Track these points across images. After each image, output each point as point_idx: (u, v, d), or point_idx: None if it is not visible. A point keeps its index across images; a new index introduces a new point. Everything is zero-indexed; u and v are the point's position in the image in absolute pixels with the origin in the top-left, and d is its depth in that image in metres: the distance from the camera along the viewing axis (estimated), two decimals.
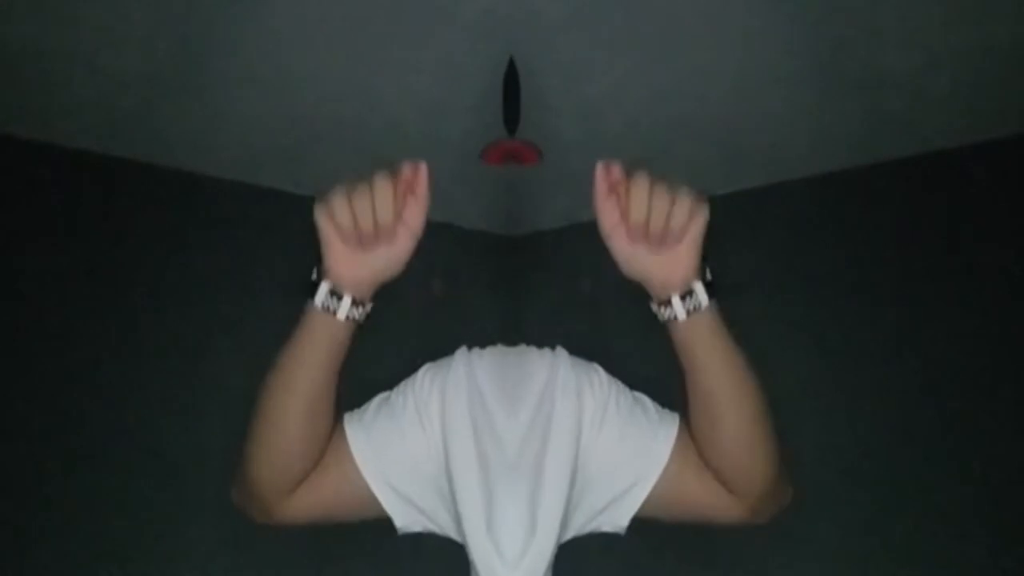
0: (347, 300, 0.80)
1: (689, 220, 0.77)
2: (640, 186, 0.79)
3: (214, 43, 1.75)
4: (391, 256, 0.82)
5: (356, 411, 0.89)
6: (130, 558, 1.82)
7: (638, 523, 0.88)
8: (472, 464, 0.86)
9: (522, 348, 0.98)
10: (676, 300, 0.80)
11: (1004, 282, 1.99)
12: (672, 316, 0.81)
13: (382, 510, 0.87)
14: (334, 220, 0.78)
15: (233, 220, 2.17)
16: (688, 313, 0.80)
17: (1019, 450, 1.87)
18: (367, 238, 0.79)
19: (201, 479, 1.88)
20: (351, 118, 1.98)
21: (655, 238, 0.78)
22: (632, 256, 0.81)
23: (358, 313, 0.81)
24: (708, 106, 1.94)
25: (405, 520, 0.88)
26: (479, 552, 0.83)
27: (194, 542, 1.85)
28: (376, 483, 0.86)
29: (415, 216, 0.85)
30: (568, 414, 0.88)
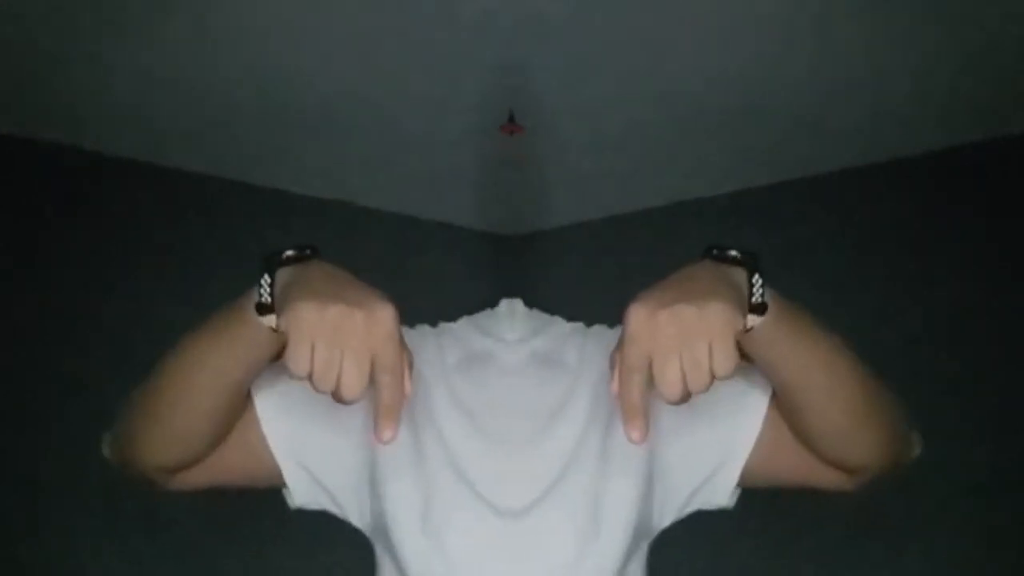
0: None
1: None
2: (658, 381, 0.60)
3: (214, 43, 1.75)
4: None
5: (267, 376, 0.74)
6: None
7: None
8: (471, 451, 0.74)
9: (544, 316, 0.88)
10: None
11: (1005, 282, 1.99)
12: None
13: (281, 483, 0.77)
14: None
15: (233, 220, 2.17)
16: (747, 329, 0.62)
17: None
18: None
19: None
20: (351, 118, 1.98)
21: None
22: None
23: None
24: (708, 106, 1.94)
25: (306, 499, 0.78)
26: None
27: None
28: (286, 462, 0.75)
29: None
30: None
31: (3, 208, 2.01)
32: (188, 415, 0.71)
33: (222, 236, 2.15)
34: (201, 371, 0.69)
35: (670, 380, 0.59)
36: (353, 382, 0.58)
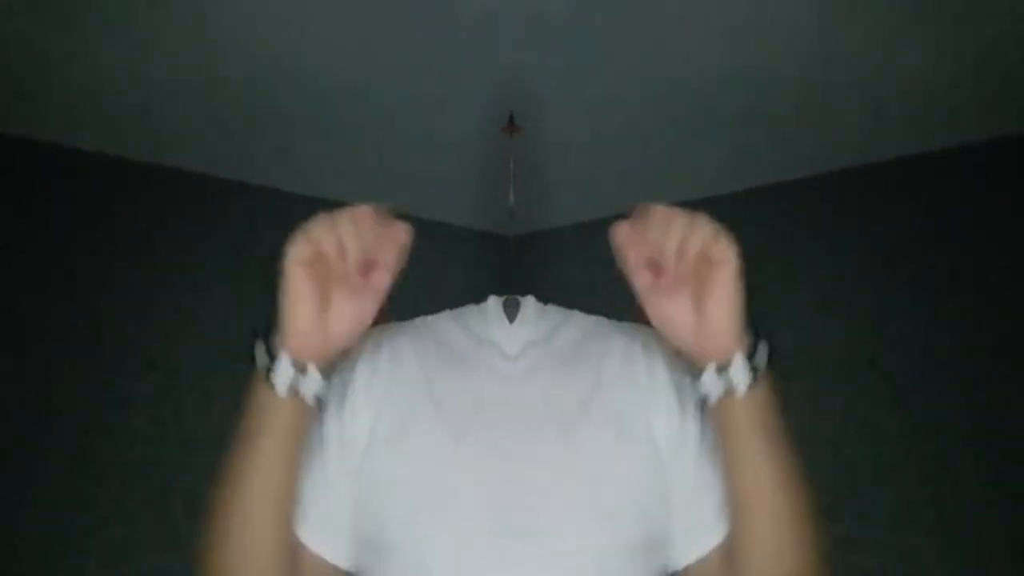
0: (313, 375, 0.67)
1: (714, 257, 0.66)
2: (656, 216, 0.67)
3: (214, 43, 1.75)
4: (360, 311, 0.69)
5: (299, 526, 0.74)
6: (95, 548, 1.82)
7: None
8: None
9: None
10: (709, 374, 0.67)
11: (1005, 282, 1.99)
12: (706, 394, 0.68)
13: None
14: (311, 254, 0.66)
15: (232, 220, 2.17)
16: (723, 393, 0.67)
17: None
18: (338, 280, 0.67)
19: (200, 478, 1.88)
20: (351, 118, 1.98)
21: (682, 277, 0.67)
22: (668, 315, 0.69)
23: (325, 389, 0.69)
24: (708, 106, 1.94)
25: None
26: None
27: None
28: (338, 558, 0.75)
29: (392, 256, 0.69)
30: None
31: (2, 208, 2.01)
32: (259, 526, 0.70)
33: (221, 236, 2.15)
34: (253, 478, 0.69)
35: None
36: (366, 227, 0.66)
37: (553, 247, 2.38)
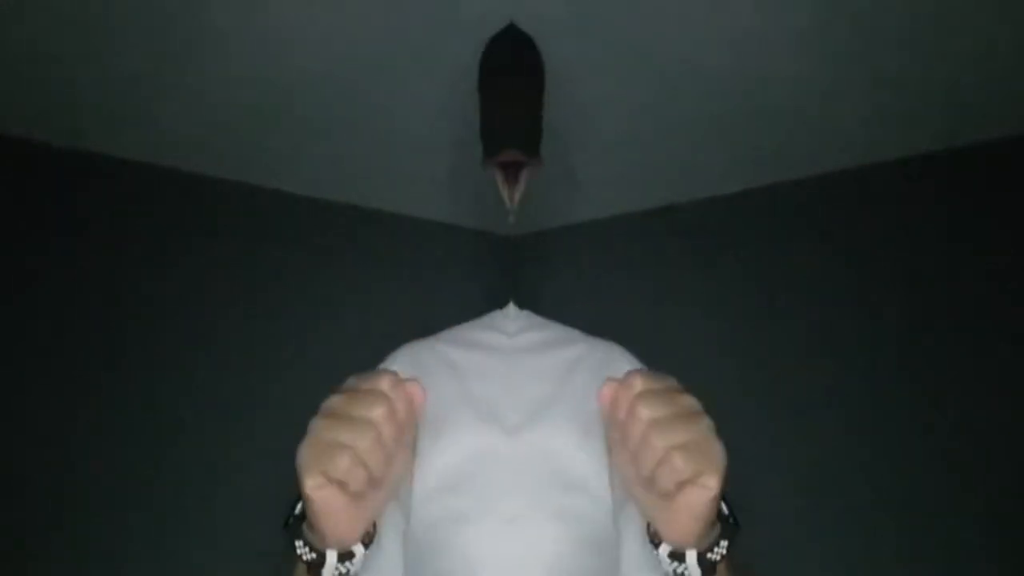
0: (359, 552, 0.66)
1: (686, 482, 0.61)
2: (638, 416, 0.62)
3: (215, 43, 1.75)
4: (392, 488, 0.68)
5: None
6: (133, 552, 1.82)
7: None
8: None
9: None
10: (662, 552, 0.65)
11: (1005, 282, 1.99)
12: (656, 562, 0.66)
13: None
14: (333, 483, 0.61)
15: (233, 220, 2.17)
16: (673, 574, 0.65)
17: None
18: (364, 482, 0.63)
19: (199, 479, 1.88)
20: (351, 118, 1.98)
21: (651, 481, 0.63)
22: (634, 495, 0.67)
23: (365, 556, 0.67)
24: (708, 106, 1.94)
25: None
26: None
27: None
28: None
29: (412, 432, 0.67)
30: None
31: (3, 209, 2.01)
32: None
33: (222, 236, 2.15)
34: None
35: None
36: (384, 430, 0.63)
37: (553, 247, 2.38)
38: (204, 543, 1.83)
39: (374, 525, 0.68)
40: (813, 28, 1.71)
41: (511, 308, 0.92)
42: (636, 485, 0.65)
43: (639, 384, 0.64)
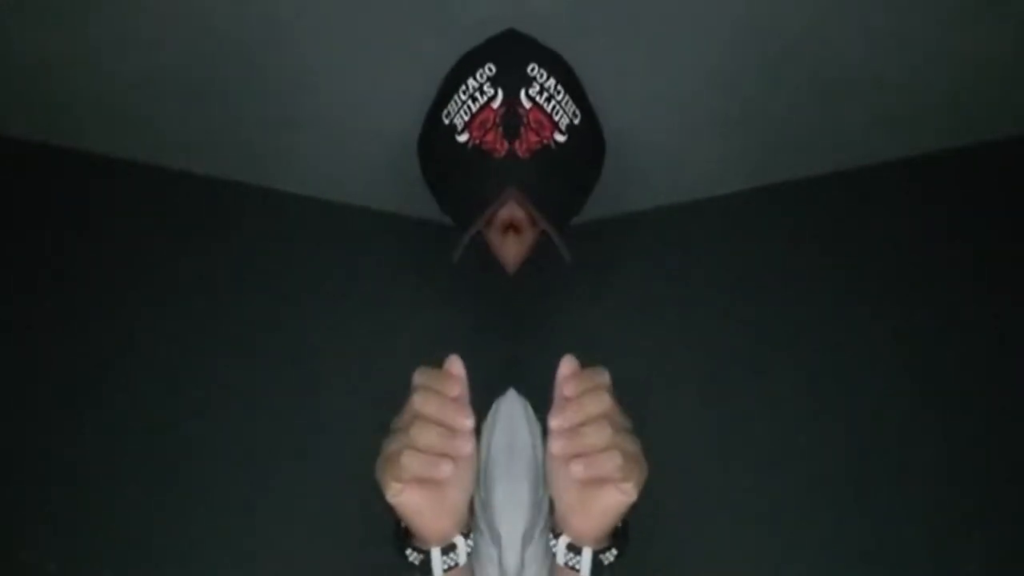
0: (461, 544, 0.71)
1: (615, 480, 0.66)
2: (602, 399, 0.69)
3: (214, 43, 1.75)
4: (468, 468, 0.72)
5: None
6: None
7: None
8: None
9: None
10: (560, 544, 0.72)
11: (1005, 282, 2.00)
12: (552, 549, 0.73)
13: None
14: (406, 482, 0.66)
15: (233, 220, 2.17)
16: (564, 564, 0.72)
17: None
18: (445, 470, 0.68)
19: (199, 479, 1.88)
20: (351, 118, 1.98)
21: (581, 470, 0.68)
22: (554, 476, 0.72)
23: (470, 545, 0.72)
24: (708, 107, 1.94)
25: None
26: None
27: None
28: None
29: (463, 397, 0.73)
30: None
31: (3, 210, 2.02)
32: None
33: (222, 236, 2.15)
34: None
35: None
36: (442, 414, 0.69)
37: (553, 247, 2.37)
38: (205, 545, 1.83)
39: (472, 511, 0.74)
40: (812, 28, 1.71)
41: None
42: (564, 462, 0.69)
43: (608, 377, 0.71)
